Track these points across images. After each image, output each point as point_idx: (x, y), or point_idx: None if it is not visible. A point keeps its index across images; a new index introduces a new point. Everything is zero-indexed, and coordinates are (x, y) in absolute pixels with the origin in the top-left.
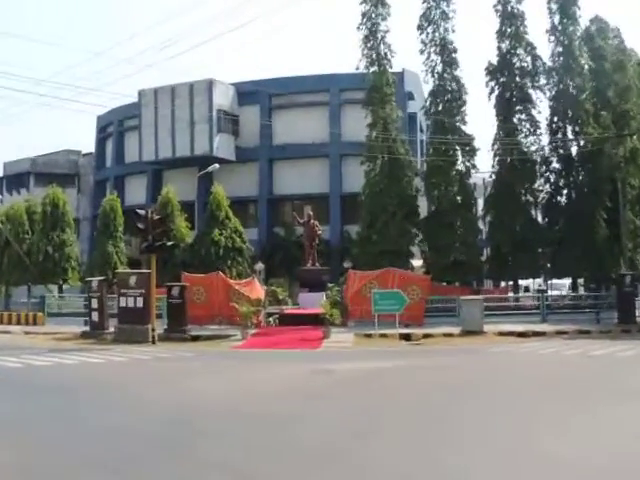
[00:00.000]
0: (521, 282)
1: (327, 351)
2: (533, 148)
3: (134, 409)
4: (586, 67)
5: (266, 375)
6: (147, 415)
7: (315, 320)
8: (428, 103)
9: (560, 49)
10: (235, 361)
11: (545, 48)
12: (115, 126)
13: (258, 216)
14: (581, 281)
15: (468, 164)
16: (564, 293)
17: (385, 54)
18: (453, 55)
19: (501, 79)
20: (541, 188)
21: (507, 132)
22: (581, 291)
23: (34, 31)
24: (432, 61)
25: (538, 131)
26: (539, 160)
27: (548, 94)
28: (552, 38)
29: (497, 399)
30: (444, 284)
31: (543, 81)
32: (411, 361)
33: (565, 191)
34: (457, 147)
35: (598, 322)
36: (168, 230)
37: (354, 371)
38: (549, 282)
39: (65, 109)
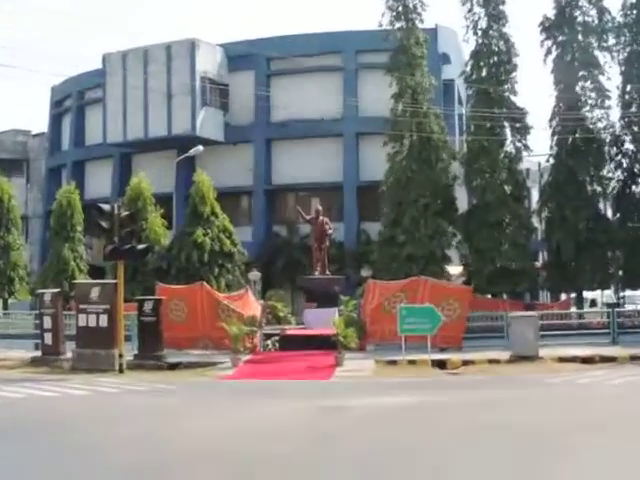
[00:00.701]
0: (586, 294)
1: (340, 383)
2: (601, 124)
3: (87, 459)
4: None
5: (261, 413)
6: (104, 465)
7: (325, 343)
8: (469, 68)
9: (634, 0)
10: (223, 395)
11: None
12: (74, 99)
13: (253, 212)
14: None
15: (519, 145)
16: None
17: (414, 6)
18: (501, 7)
19: (560, 37)
20: (611, 175)
21: (568, 104)
22: None
23: None
24: (474, 14)
25: (607, 103)
26: (608, 140)
27: (619, 57)
28: None
29: (574, 450)
30: (489, 297)
31: (612, 40)
32: (448, 395)
33: None
34: (505, 123)
35: None
36: (139, 230)
37: (374, 408)
38: (621, 294)
39: (11, 78)
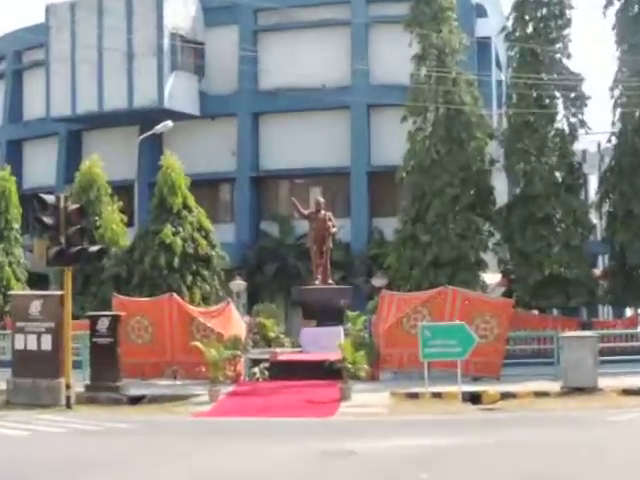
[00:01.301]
0: None
1: (346, 421)
2: None
3: None
4: None
5: (246, 461)
6: None
7: (327, 371)
8: (510, 22)
9: None
10: (198, 438)
11: None
12: (8, 62)
13: (236, 205)
14: None
15: (574, 120)
16: None
17: None
18: None
19: None
20: None
21: (635, 69)
22: None
23: None
24: None
25: None
26: None
27: None
28: None
29: None
30: (535, 313)
31: None
32: (482, 438)
33: None
34: (556, 93)
35: None
36: (92, 227)
37: (389, 455)
38: None
39: None
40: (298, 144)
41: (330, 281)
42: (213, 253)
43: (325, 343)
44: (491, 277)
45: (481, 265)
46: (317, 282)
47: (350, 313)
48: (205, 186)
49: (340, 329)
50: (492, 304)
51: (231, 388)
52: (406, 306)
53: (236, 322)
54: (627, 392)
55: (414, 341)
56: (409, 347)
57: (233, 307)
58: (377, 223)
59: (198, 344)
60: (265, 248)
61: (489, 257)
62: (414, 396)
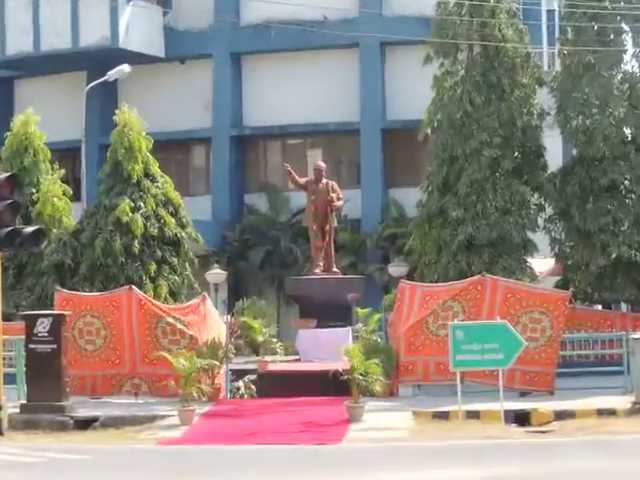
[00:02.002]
0: None
1: (357, 449)
2: None
3: None
4: None
5: None
6: None
7: (332, 385)
8: None
9: None
10: (163, 475)
11: None
12: None
13: (213, 173)
14: None
15: None
16: None
17: None
18: None
19: None
20: None
21: None
22: None
23: None
24: None
25: None
26: None
27: None
28: None
29: None
30: (598, 308)
31: None
32: (534, 470)
33: None
34: (624, 25)
35: None
36: (26, 202)
37: None
38: None
39: None
40: (292, 93)
41: (335, 269)
42: (184, 234)
43: (328, 349)
44: (542, 263)
45: (528, 248)
46: (318, 271)
47: (360, 310)
48: (173, 148)
49: (348, 331)
50: (543, 297)
51: (208, 407)
52: (432, 301)
53: (214, 323)
54: None
55: (443, 346)
56: (436, 353)
57: (210, 304)
58: (394, 195)
59: (166, 355)
60: (251, 228)
61: (539, 237)
62: (443, 416)
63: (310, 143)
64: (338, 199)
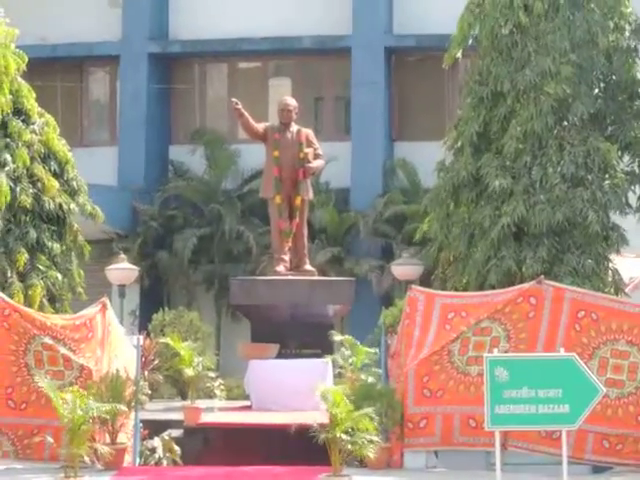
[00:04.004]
0: None
1: None
2: None
3: None
4: None
5: None
6: None
7: (298, 447)
8: None
9: None
10: None
11: None
12: None
13: (121, 111)
14: None
15: None
16: None
17: None
18: None
19: None
20: None
21: None
22: None
23: None
24: None
25: None
26: None
27: None
28: None
29: None
30: None
31: None
32: None
33: None
34: None
35: None
36: None
37: None
38: None
39: None
40: None
41: (308, 267)
42: (73, 207)
43: (296, 391)
44: (633, 264)
45: (613, 239)
46: (282, 269)
47: (341, 338)
48: (60, 72)
49: (326, 364)
50: (634, 319)
51: (107, 479)
52: (459, 320)
53: (118, 346)
54: None
55: (475, 391)
56: (464, 402)
57: (113, 316)
58: (403, 152)
59: (45, 387)
60: (179, 199)
61: (630, 223)
62: None
63: (274, 68)
64: (316, 156)
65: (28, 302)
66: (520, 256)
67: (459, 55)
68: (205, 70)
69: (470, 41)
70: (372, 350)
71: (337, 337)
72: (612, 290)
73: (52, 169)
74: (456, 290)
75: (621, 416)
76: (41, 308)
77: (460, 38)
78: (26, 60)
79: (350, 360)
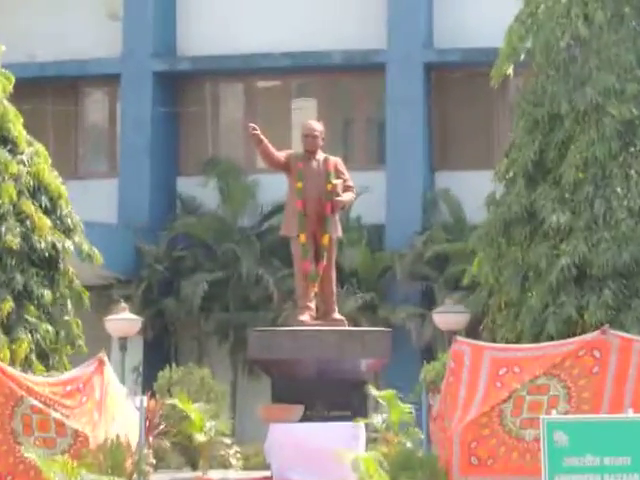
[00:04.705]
0: None
1: None
2: None
3: None
4: None
5: None
6: None
7: None
8: None
9: None
10: None
11: None
12: None
13: (122, 138)
14: None
15: None
16: None
17: None
18: None
19: None
20: None
21: None
22: None
23: None
24: None
25: None
26: None
27: None
28: None
29: None
30: None
31: None
32: None
33: None
34: None
35: None
36: None
37: None
38: None
39: None
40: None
41: (337, 315)
42: (67, 246)
43: (322, 458)
44: None
45: None
46: (307, 318)
47: (380, 393)
48: (50, 93)
49: (358, 428)
50: None
51: None
52: (512, 376)
53: (118, 409)
54: None
55: (531, 459)
56: (517, 470)
57: (112, 374)
58: (444, 181)
59: (33, 458)
60: (188, 238)
61: None
62: None
63: (297, 88)
64: (345, 188)
65: (14, 360)
66: (582, 302)
67: (509, 71)
68: (218, 90)
69: (522, 56)
70: (410, 407)
71: (373, 391)
72: None
73: (43, 205)
74: (508, 341)
75: None
76: (29, 366)
77: (509, 52)
78: (12, 80)
79: (386, 422)
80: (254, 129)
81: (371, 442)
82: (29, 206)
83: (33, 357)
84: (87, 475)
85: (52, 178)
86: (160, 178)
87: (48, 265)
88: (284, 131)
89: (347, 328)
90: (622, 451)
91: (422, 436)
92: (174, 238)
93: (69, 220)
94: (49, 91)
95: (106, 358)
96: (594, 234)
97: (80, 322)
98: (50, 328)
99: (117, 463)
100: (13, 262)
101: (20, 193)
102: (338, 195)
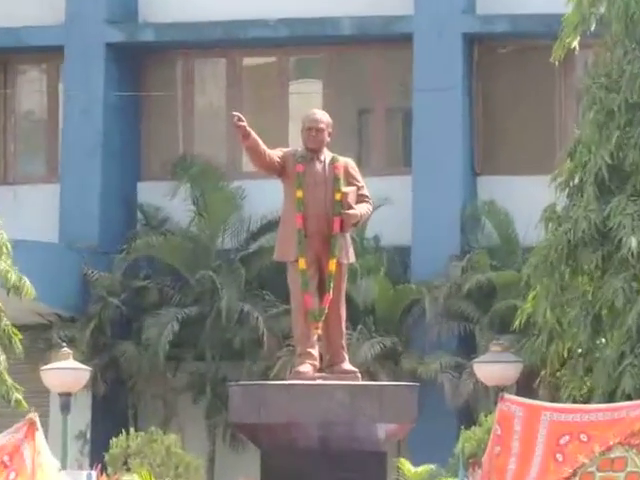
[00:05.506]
0: None
1: None
2: None
3: None
4: None
5: None
6: None
7: None
8: None
9: None
10: None
11: None
12: None
13: (65, 130)
14: None
15: None
16: None
17: None
18: None
19: None
20: None
21: None
22: None
23: None
24: None
25: None
26: None
27: None
28: None
29: None
30: None
31: None
32: None
33: None
34: None
35: None
36: None
37: None
38: None
39: None
40: None
41: (347, 366)
42: None
43: None
44: None
45: None
46: (306, 368)
47: (410, 468)
48: None
49: None
50: None
51: None
52: (577, 445)
53: None
54: None
55: None
56: None
57: (42, 440)
58: (489, 189)
59: None
60: (152, 263)
61: None
62: None
63: (296, 65)
64: (359, 198)
65: None
66: None
67: (575, 45)
68: (192, 69)
69: (593, 25)
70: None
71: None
72: None
73: None
74: (574, 401)
75: None
76: None
77: (577, 19)
78: None
79: None
80: (239, 119)
81: None
82: None
83: None
84: None
85: None
86: (115, 184)
87: None
88: (279, 123)
89: (361, 383)
90: None
91: None
92: (133, 263)
93: None
94: None
95: (37, 419)
96: None
97: (8, 377)
98: None
99: None
100: None
101: None
102: (349, 207)
